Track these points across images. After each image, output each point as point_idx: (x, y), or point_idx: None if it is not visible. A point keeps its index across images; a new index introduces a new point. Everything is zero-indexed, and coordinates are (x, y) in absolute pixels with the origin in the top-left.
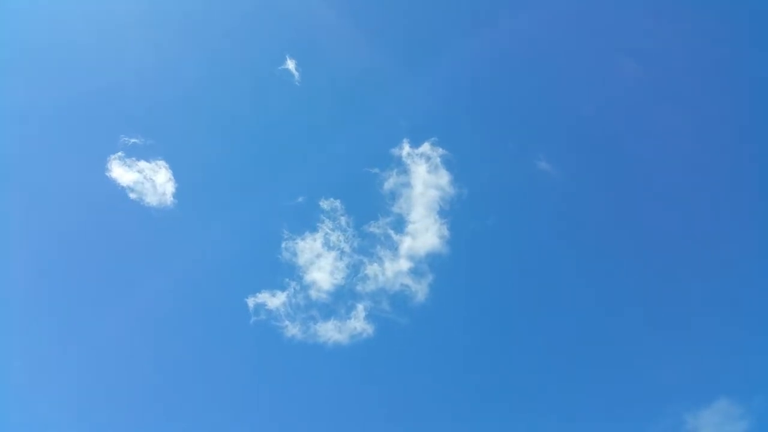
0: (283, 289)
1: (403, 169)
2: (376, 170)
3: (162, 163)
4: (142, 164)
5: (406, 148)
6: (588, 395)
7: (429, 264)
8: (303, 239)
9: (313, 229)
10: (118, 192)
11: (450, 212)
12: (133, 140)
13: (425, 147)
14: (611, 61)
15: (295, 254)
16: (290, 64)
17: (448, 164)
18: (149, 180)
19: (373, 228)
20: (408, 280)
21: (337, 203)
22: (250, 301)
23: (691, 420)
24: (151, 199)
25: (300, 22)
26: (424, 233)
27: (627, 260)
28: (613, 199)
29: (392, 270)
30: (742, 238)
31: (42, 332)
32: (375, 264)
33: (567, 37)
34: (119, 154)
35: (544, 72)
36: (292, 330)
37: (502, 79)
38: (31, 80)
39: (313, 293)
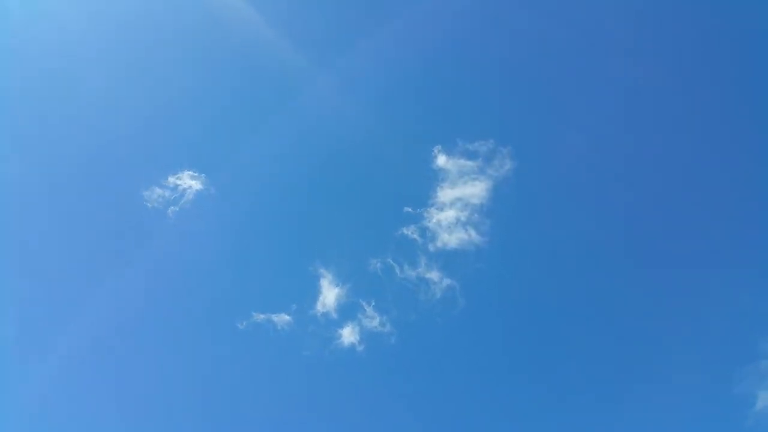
0: (297, 302)
1: (427, 170)
2: (396, 175)
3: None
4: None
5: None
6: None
7: (457, 266)
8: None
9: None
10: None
11: (479, 212)
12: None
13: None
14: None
15: (313, 268)
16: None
17: (474, 161)
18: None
19: (395, 232)
20: (434, 285)
21: (354, 212)
22: (265, 317)
23: None
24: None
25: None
26: (448, 234)
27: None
28: (656, 191)
29: (416, 274)
30: None
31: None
32: (395, 268)
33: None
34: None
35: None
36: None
37: (522, 72)
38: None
39: (320, 309)
